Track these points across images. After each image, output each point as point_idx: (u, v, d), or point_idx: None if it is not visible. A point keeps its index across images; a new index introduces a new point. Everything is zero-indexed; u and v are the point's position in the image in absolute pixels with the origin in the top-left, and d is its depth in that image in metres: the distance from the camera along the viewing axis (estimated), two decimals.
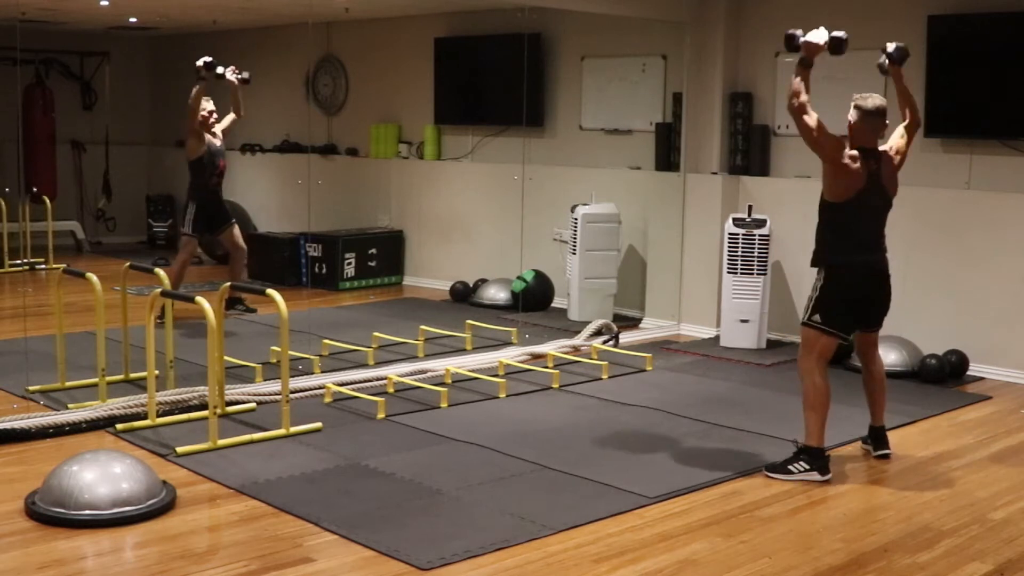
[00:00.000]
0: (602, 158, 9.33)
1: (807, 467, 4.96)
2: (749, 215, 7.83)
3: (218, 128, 8.59)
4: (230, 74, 8.34)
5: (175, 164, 13.24)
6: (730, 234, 7.85)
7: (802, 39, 5.07)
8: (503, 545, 4.10)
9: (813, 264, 5.21)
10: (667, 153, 8.69)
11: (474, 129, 10.29)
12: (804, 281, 7.88)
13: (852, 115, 5.11)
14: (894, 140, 5.30)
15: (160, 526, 4.24)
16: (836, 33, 5.11)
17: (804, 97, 5.02)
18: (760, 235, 7.76)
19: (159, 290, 5.59)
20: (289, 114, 11.84)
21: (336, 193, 11.18)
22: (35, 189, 11.24)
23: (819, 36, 5.07)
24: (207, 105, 8.41)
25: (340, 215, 11.03)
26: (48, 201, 11.02)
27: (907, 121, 5.31)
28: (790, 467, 4.98)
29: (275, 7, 10.17)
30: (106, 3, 9.88)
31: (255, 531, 4.23)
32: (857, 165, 5.02)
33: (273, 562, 3.92)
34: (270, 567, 3.88)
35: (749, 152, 8.33)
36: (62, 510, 4.23)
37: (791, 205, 7.97)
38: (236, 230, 8.75)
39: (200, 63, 7.96)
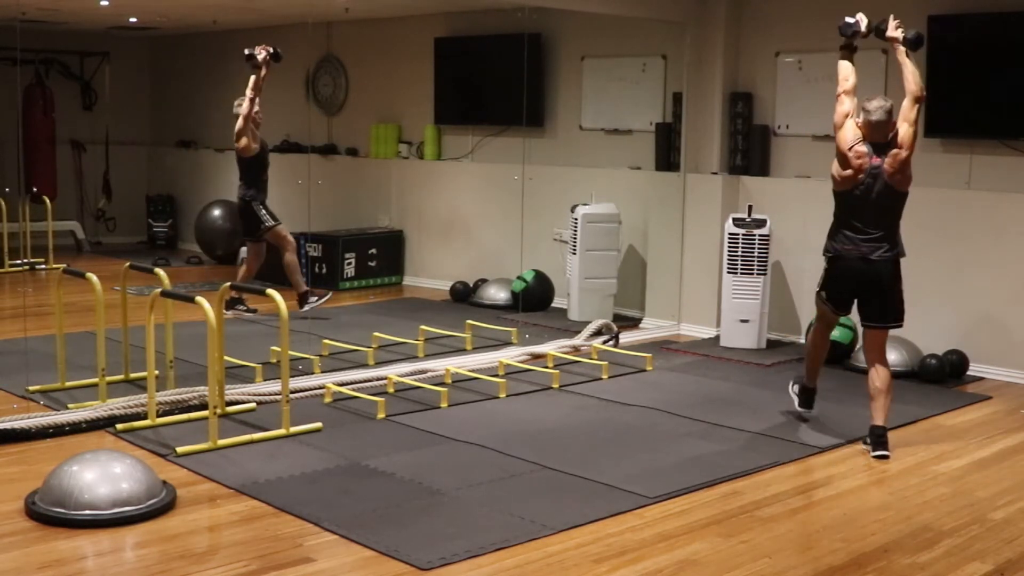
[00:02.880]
0: (602, 158, 9.33)
1: (796, 395, 6.01)
2: (749, 215, 7.83)
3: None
4: (263, 62, 8.41)
5: (175, 164, 13.26)
6: (730, 234, 7.84)
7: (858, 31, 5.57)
8: (503, 545, 4.10)
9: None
10: (667, 153, 8.69)
11: (474, 129, 10.29)
12: (804, 281, 7.90)
13: (859, 118, 5.46)
14: (901, 130, 5.43)
15: (160, 526, 4.24)
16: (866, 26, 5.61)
17: (843, 86, 5.53)
18: (760, 235, 7.76)
19: (159, 290, 5.59)
20: (289, 114, 11.83)
21: (336, 193, 11.18)
22: (35, 189, 11.25)
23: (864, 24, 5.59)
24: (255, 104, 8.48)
25: (340, 215, 11.03)
26: (48, 201, 11.02)
27: (908, 98, 5.49)
28: (790, 390, 6.06)
29: (275, 7, 10.17)
30: (106, 3, 9.88)
31: (255, 531, 4.23)
32: (860, 160, 5.39)
33: (273, 562, 3.92)
34: (270, 567, 3.88)
35: (749, 152, 8.32)
36: (62, 510, 4.23)
37: (791, 205, 7.98)
38: (283, 227, 8.76)
39: (249, 52, 8.23)
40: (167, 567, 3.87)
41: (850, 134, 5.42)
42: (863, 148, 5.38)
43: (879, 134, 5.38)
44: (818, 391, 5.98)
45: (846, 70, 5.54)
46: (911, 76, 5.45)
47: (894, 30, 5.49)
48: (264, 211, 8.58)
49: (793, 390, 6.06)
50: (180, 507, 4.44)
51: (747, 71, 8.38)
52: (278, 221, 8.63)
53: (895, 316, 5.51)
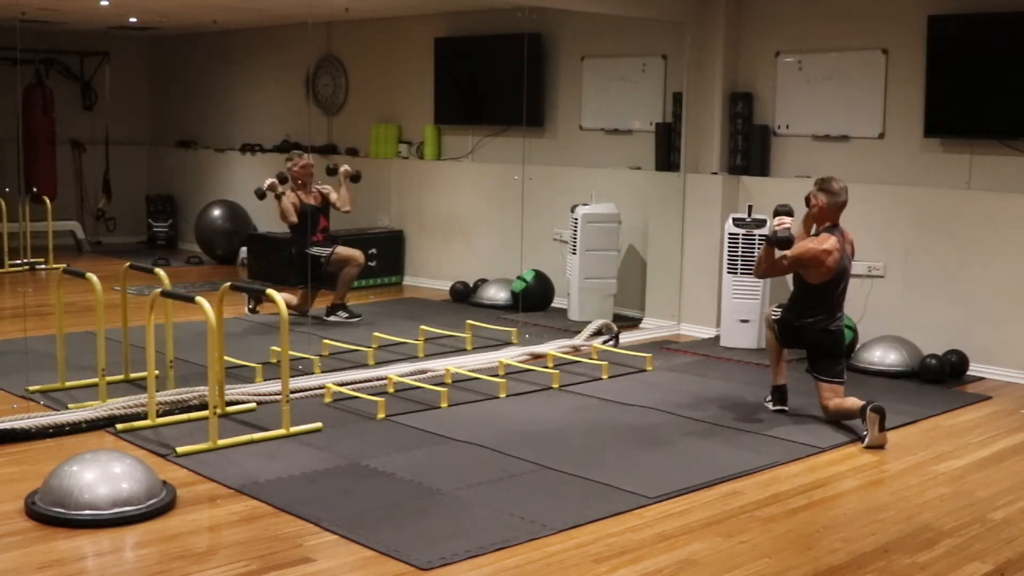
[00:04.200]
0: (602, 158, 9.33)
1: (769, 396, 6.17)
2: (749, 215, 7.83)
3: (323, 188, 8.63)
4: (342, 176, 8.67)
5: (175, 164, 13.27)
6: (730, 234, 7.85)
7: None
8: (503, 545, 4.10)
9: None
10: (667, 153, 8.69)
11: (474, 129, 10.29)
12: None
13: (822, 199, 5.78)
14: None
15: (160, 526, 4.24)
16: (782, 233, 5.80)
17: (764, 266, 5.91)
18: (760, 235, 7.76)
19: (159, 290, 5.59)
20: (289, 114, 11.84)
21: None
22: (35, 189, 11.25)
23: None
24: (303, 159, 8.55)
25: (340, 215, 11.01)
26: (48, 201, 11.02)
27: None
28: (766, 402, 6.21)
29: (275, 7, 10.17)
30: (106, 3, 9.88)
31: (255, 531, 4.23)
32: (836, 248, 5.71)
33: (273, 562, 3.93)
34: (270, 567, 3.88)
35: (749, 152, 8.32)
36: (62, 510, 4.23)
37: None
38: (340, 248, 8.74)
39: (269, 184, 8.34)
40: (167, 567, 3.87)
41: (813, 243, 5.73)
42: (832, 236, 5.70)
43: (839, 215, 5.78)
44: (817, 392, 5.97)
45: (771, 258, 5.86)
46: None
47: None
48: (315, 250, 8.48)
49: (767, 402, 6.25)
50: (180, 507, 4.44)
51: (747, 71, 8.38)
52: (333, 245, 8.57)
53: (843, 372, 5.87)
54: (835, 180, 5.79)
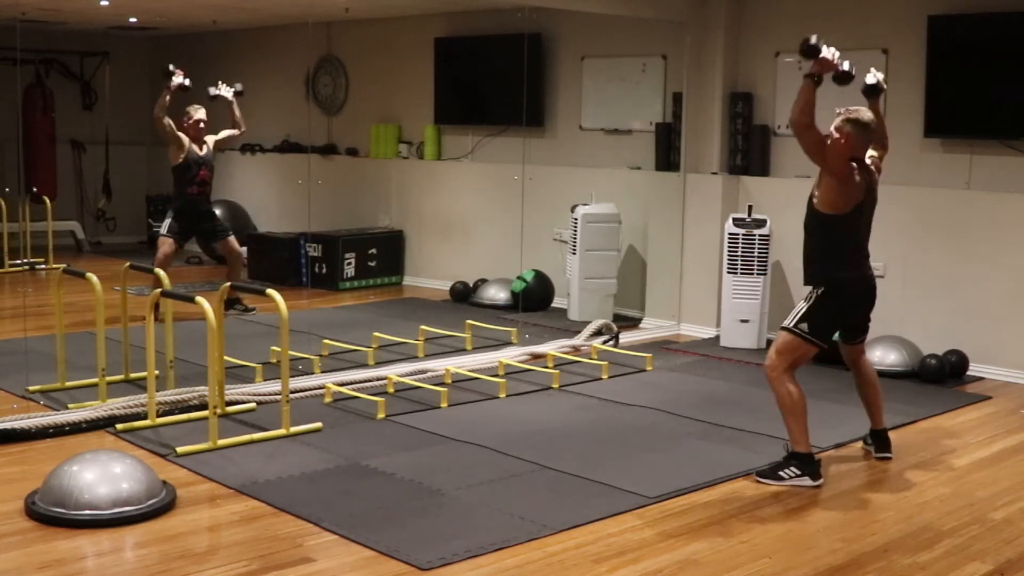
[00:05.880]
0: (602, 158, 9.33)
1: (798, 472, 4.91)
2: (749, 215, 7.83)
3: (211, 139, 8.62)
4: (224, 91, 8.60)
5: None
6: (730, 234, 7.85)
7: (821, 55, 4.83)
8: (503, 545, 4.10)
9: (808, 282, 5.13)
10: (667, 153, 8.69)
11: (474, 129, 10.29)
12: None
13: (847, 128, 4.95)
14: (872, 155, 5.19)
15: (160, 526, 4.24)
16: (845, 66, 4.91)
17: (811, 115, 4.85)
18: (760, 235, 7.77)
19: (159, 290, 5.60)
20: (289, 114, 11.84)
21: (336, 193, 11.18)
22: (35, 189, 11.24)
23: (837, 58, 4.89)
24: (196, 114, 8.53)
25: (340, 215, 11.03)
26: (48, 201, 11.02)
27: (879, 147, 5.29)
28: (780, 473, 4.92)
29: (275, 7, 10.17)
30: (106, 3, 9.88)
31: (255, 531, 4.23)
32: (859, 178, 5.00)
33: (273, 562, 3.93)
34: (270, 567, 3.88)
35: (749, 152, 8.33)
36: (62, 510, 4.23)
37: (791, 205, 7.95)
38: (231, 239, 8.75)
39: (166, 71, 8.24)
40: (167, 567, 3.87)
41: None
42: (854, 165, 5.03)
43: (866, 149, 5.08)
44: (819, 393, 5.97)
45: (813, 100, 4.84)
46: (884, 128, 5.32)
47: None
48: (165, 219, 8.50)
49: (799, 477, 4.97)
50: (180, 507, 4.44)
51: (747, 71, 8.38)
52: (169, 235, 8.40)
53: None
54: (864, 110, 5.03)
